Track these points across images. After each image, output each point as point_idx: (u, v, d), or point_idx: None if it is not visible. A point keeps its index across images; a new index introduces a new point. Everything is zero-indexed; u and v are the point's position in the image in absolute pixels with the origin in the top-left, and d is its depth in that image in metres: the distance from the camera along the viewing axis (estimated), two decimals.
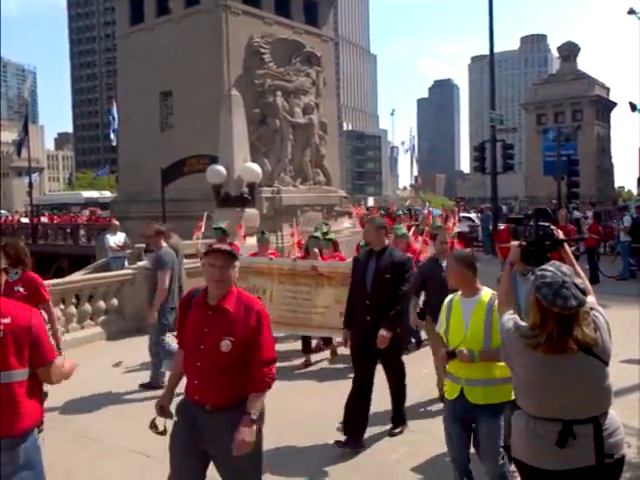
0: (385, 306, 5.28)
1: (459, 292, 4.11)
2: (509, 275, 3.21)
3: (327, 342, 8.59)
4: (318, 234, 8.93)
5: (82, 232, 32.59)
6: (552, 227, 3.28)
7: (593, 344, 2.56)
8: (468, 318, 3.93)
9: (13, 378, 2.91)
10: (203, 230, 12.07)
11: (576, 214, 23.78)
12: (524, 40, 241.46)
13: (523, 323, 2.72)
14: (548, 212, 19.18)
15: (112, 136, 39.00)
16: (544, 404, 2.66)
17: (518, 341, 2.68)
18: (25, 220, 38.62)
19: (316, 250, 8.50)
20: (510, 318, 2.84)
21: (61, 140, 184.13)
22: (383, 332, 5.18)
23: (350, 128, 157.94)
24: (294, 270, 8.30)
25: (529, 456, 2.72)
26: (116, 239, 15.70)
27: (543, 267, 2.67)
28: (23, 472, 2.90)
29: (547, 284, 2.56)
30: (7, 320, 2.94)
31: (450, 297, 4.14)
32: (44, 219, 39.73)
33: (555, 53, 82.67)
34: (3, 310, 2.98)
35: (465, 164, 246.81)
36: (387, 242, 5.62)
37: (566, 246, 3.23)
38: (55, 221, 38.71)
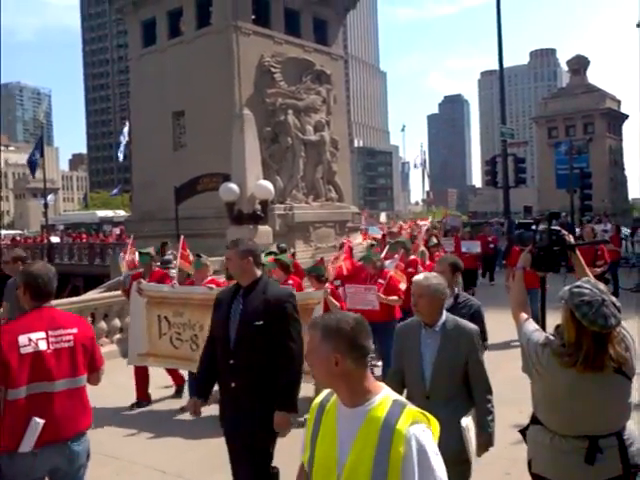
0: (260, 369, 3.67)
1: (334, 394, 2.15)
2: (522, 279, 3.16)
3: None
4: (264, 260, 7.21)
5: (97, 251, 32.86)
6: (563, 232, 3.18)
7: (623, 362, 2.55)
8: (346, 447, 2.00)
9: (83, 382, 3.44)
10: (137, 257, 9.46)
11: (601, 227, 21.26)
12: (533, 54, 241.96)
13: (552, 338, 2.66)
14: (560, 215, 18.88)
15: (120, 155, 39.60)
16: (573, 421, 2.63)
17: (549, 358, 2.62)
18: (56, 239, 38.42)
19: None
20: (536, 329, 2.79)
21: (75, 161, 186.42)
22: (279, 416, 3.63)
23: (361, 145, 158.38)
24: None
25: (555, 473, 2.70)
26: (130, 257, 15.82)
27: (579, 284, 2.59)
28: (86, 461, 3.50)
29: (587, 303, 2.47)
30: (74, 330, 3.41)
31: (320, 399, 2.21)
32: (65, 238, 39.65)
33: (565, 67, 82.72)
34: (69, 322, 3.46)
35: (477, 179, 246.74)
36: (259, 273, 3.91)
37: (578, 252, 3.17)
38: (84, 240, 38.05)
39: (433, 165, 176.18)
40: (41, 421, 3.17)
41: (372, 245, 10.62)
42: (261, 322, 3.67)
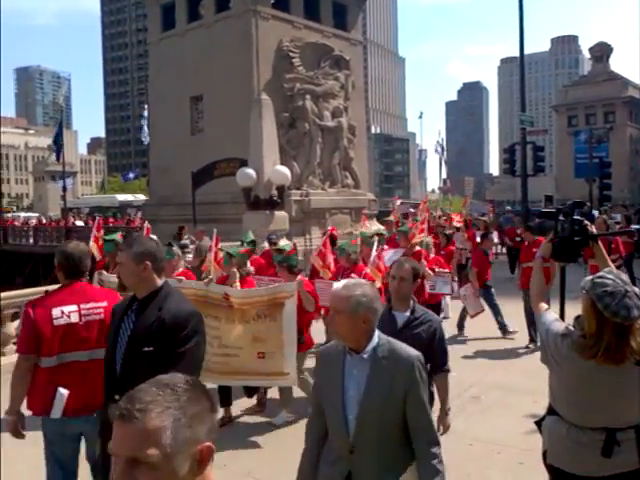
0: None
1: None
2: (540, 268, 3.13)
3: (250, 392, 6.57)
4: (233, 250, 6.66)
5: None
6: (586, 222, 3.10)
7: None
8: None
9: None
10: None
11: (616, 218, 20.25)
12: (555, 41, 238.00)
13: (572, 328, 2.62)
14: (585, 205, 18.55)
15: (144, 138, 39.81)
16: (590, 413, 2.61)
17: (568, 348, 2.58)
18: (80, 223, 38.60)
19: (234, 270, 6.37)
20: (555, 319, 2.76)
21: (94, 145, 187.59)
22: None
23: (378, 131, 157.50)
24: (207, 298, 5.96)
25: (570, 464, 2.68)
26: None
27: (601, 274, 2.54)
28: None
29: (609, 293, 2.43)
30: (104, 304, 3.56)
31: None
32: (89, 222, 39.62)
33: (587, 54, 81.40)
34: (100, 296, 3.65)
35: (494, 167, 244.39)
36: (159, 282, 3.07)
37: (600, 242, 3.13)
38: (110, 224, 38.10)
39: (450, 153, 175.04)
40: (65, 391, 3.39)
41: (380, 234, 9.60)
42: (151, 348, 2.84)
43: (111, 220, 39.51)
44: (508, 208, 32.56)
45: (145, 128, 37.17)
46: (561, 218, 3.08)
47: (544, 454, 2.86)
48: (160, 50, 25.58)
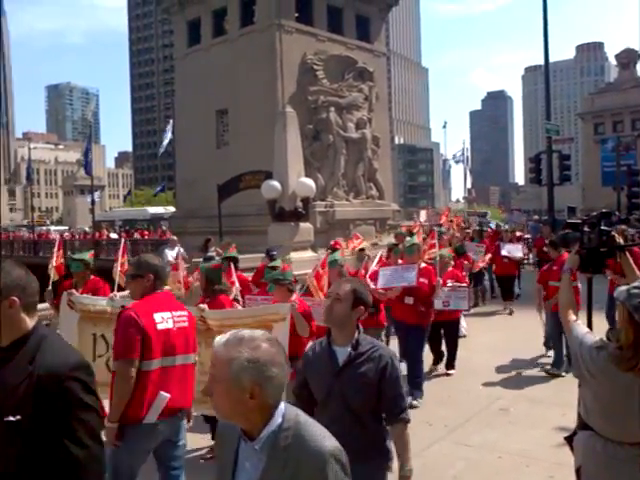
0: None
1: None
2: (569, 281, 3.06)
3: None
4: (202, 266, 6.01)
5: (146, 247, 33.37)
6: (613, 232, 3.07)
7: None
8: None
9: (192, 360, 3.82)
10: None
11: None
12: (580, 48, 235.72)
13: (607, 340, 2.57)
14: (612, 215, 18.24)
15: (161, 151, 40.67)
16: (628, 428, 2.55)
17: (604, 361, 2.52)
18: (114, 235, 38.89)
19: (197, 284, 5.86)
20: (587, 332, 2.71)
21: (121, 159, 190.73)
22: None
23: (402, 141, 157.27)
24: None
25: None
26: (174, 253, 16.14)
27: (637, 285, 2.48)
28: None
29: None
30: (186, 312, 3.82)
31: None
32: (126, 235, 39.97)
33: (613, 61, 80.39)
34: (181, 304, 3.95)
35: (519, 176, 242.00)
36: (29, 325, 2.16)
37: (627, 253, 3.09)
38: (145, 236, 38.22)
39: (475, 162, 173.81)
40: (167, 395, 3.50)
41: (395, 245, 8.46)
42: (18, 417, 2.01)
43: (145, 233, 39.84)
44: (536, 217, 31.92)
45: (164, 142, 37.73)
46: (586, 229, 3.06)
47: (577, 470, 2.78)
48: (186, 65, 25.98)
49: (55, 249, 7.63)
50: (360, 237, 12.81)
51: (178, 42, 27.64)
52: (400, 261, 7.55)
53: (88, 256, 6.59)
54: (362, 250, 8.45)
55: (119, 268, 6.95)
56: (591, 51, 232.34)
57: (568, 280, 3.07)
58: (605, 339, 2.59)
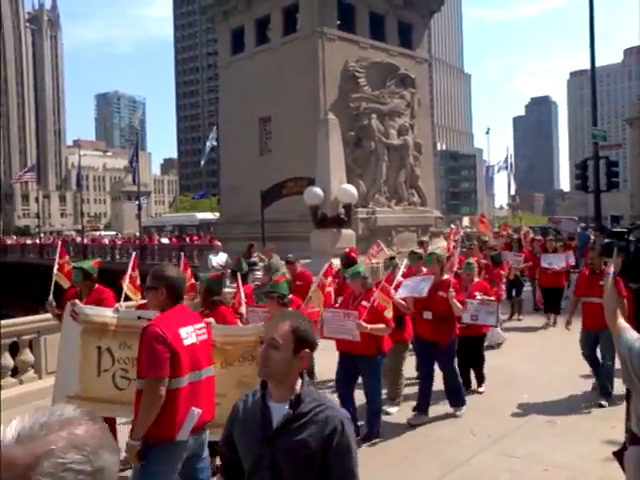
0: None
1: None
2: (614, 285, 2.98)
3: None
4: (202, 275, 5.67)
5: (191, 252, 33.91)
6: None
7: None
8: None
9: (212, 372, 3.75)
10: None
11: None
12: (627, 52, 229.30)
13: None
14: None
15: (203, 159, 41.47)
16: None
17: None
18: (165, 241, 39.38)
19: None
20: (638, 337, 2.63)
21: (166, 165, 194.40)
22: None
23: (444, 148, 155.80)
24: None
25: None
26: (218, 259, 16.34)
27: None
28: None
29: None
30: (204, 324, 3.76)
31: None
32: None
33: None
34: (199, 317, 3.83)
35: (564, 183, 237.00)
36: None
37: None
38: (195, 241, 38.65)
39: (519, 169, 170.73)
40: (199, 410, 3.45)
41: (432, 254, 7.41)
42: None
43: (195, 238, 40.35)
44: (582, 225, 30.77)
45: (206, 150, 38.38)
46: (632, 238, 2.99)
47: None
48: (230, 73, 26.41)
49: (57, 255, 6.82)
50: (381, 245, 12.66)
51: (222, 50, 28.14)
52: (424, 269, 7.14)
53: (91, 265, 5.96)
54: (392, 258, 8.13)
55: (127, 281, 6.45)
56: (639, 55, 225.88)
57: (613, 284, 2.98)
58: None
